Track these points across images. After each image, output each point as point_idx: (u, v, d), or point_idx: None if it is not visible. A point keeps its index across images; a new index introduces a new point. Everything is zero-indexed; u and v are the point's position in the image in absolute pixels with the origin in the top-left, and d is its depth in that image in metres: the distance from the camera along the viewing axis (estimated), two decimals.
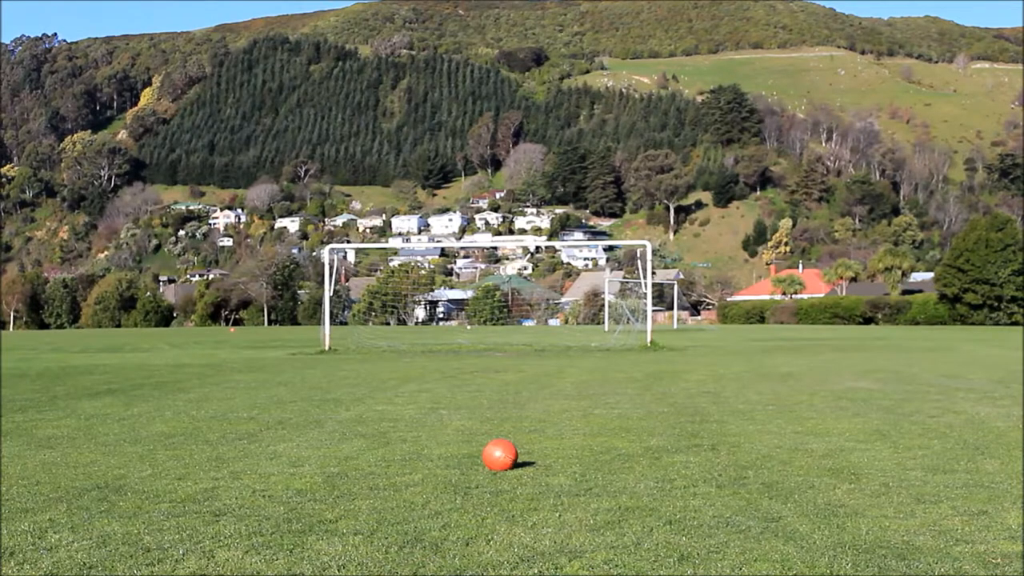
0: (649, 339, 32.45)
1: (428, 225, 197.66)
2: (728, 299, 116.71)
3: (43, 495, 6.31)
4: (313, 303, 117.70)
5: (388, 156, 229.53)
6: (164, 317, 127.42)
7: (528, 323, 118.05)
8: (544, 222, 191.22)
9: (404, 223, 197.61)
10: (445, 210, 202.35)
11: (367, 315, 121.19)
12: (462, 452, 8.05)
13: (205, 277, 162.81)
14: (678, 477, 6.83)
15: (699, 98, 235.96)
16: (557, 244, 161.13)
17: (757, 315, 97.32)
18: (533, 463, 7.46)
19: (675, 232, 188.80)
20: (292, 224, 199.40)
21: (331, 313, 34.65)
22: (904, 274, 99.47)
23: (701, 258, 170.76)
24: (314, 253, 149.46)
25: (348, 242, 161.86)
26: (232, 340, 45.16)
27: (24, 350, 33.77)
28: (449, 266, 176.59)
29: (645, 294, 36.52)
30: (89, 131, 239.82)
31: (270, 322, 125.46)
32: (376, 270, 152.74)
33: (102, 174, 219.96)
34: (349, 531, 5.24)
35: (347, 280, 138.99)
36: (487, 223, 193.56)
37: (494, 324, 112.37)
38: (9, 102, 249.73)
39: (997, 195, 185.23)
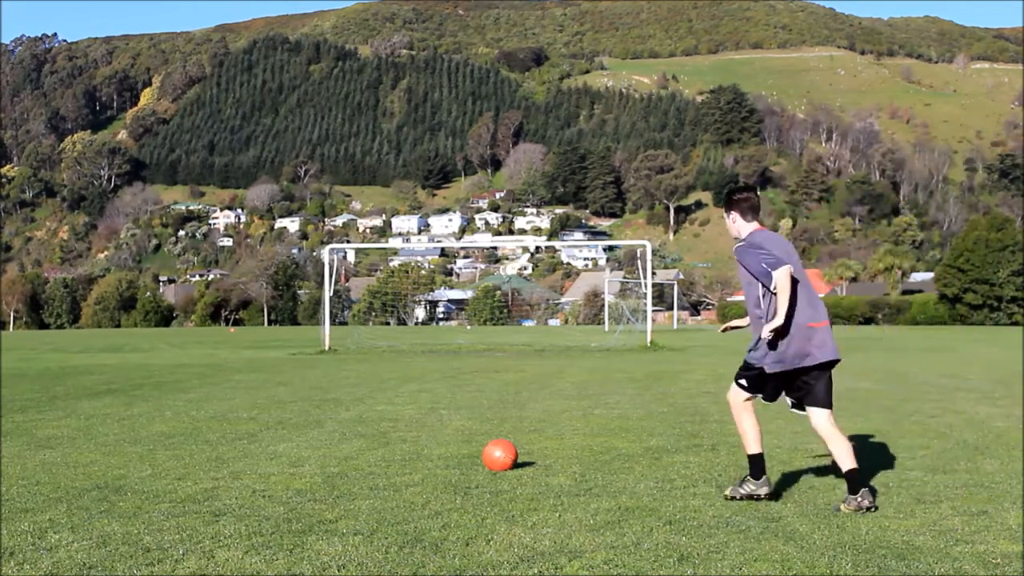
0: (649, 339, 32.46)
1: (428, 225, 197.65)
2: (728, 299, 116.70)
3: (43, 495, 6.31)
4: (313, 303, 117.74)
5: (388, 156, 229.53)
6: (164, 317, 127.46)
7: (528, 323, 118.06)
8: (544, 222, 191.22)
9: (404, 223, 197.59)
10: (445, 210, 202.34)
11: (367, 315, 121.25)
12: (462, 452, 8.05)
13: (205, 277, 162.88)
14: (678, 477, 6.84)
15: (699, 98, 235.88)
16: (557, 244, 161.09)
17: None
18: (533, 463, 7.46)
19: (675, 232, 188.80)
20: (292, 224, 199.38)
21: (331, 313, 34.65)
22: (904, 274, 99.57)
23: (701, 258, 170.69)
24: (314, 253, 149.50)
25: (348, 242, 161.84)
26: (232, 340, 45.17)
27: (24, 350, 33.77)
28: (449, 266, 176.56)
29: (645, 294, 36.52)
30: (89, 131, 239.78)
31: (270, 322, 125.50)
32: (376, 270, 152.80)
33: (102, 174, 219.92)
34: (349, 531, 5.24)
35: (347, 280, 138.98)
36: (487, 223, 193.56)
37: (494, 324, 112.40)
38: (9, 102, 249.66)
39: (997, 195, 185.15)
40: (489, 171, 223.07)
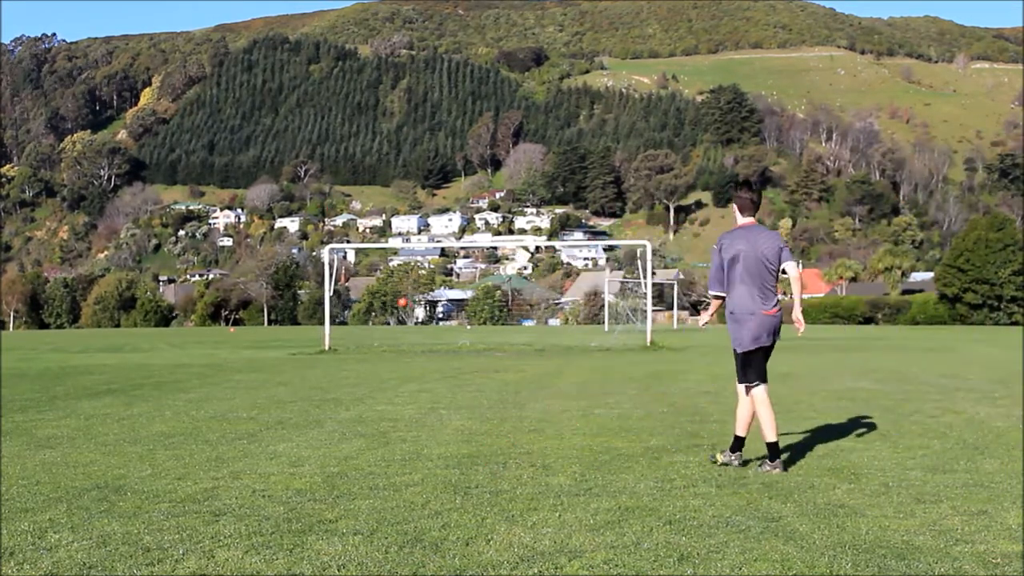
0: (649, 339, 32.44)
1: (428, 225, 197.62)
2: None
3: (43, 495, 6.31)
4: (313, 303, 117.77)
5: (388, 156, 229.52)
6: (164, 317, 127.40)
7: (528, 323, 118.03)
8: (544, 222, 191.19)
9: (404, 223, 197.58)
10: (445, 210, 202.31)
11: (367, 315, 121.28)
12: (462, 452, 8.05)
13: (205, 277, 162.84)
14: (678, 477, 6.84)
15: (699, 98, 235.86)
16: (557, 244, 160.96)
17: None
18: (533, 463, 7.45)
19: (675, 232, 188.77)
20: (292, 224, 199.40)
21: (331, 313, 34.64)
22: (904, 274, 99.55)
23: (701, 258, 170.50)
24: (314, 253, 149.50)
25: (348, 242, 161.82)
26: (232, 340, 45.16)
27: (24, 350, 33.77)
28: (449, 266, 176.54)
29: (645, 294, 36.50)
30: (89, 131, 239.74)
31: (270, 322, 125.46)
32: (376, 270, 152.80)
33: (102, 174, 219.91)
34: (349, 531, 5.24)
35: (347, 280, 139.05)
36: (487, 223, 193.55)
37: (494, 324, 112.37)
38: (9, 102, 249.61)
39: (997, 195, 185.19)
40: (489, 171, 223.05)
